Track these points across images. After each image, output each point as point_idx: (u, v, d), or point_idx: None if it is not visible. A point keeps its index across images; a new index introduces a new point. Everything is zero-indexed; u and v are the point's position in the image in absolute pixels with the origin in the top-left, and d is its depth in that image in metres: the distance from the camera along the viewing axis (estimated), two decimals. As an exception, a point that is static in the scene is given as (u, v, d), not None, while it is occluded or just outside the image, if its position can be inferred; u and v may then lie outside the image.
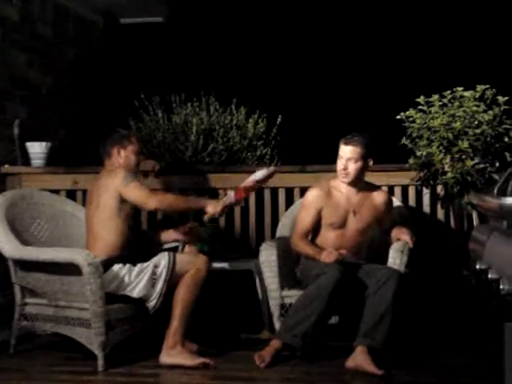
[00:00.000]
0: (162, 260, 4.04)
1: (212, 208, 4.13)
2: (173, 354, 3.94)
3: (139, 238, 4.33)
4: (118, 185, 4.07)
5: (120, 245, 4.10)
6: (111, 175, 4.14)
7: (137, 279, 4.00)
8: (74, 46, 5.88)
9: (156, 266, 4.02)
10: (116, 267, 4.01)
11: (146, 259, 4.06)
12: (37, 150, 5.04)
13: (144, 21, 6.53)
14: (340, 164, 4.19)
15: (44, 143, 5.04)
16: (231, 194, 4.19)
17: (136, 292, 4.00)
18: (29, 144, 5.04)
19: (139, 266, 4.03)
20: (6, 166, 4.99)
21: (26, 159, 5.07)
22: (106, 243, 4.08)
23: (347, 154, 4.17)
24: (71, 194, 4.95)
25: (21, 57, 5.18)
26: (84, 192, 4.98)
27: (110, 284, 3.98)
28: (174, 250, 4.29)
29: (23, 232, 4.31)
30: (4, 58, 4.98)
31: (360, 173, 4.20)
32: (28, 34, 5.26)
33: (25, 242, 4.22)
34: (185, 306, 3.98)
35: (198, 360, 3.94)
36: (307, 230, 4.27)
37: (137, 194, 4.06)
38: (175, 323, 3.97)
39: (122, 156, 4.23)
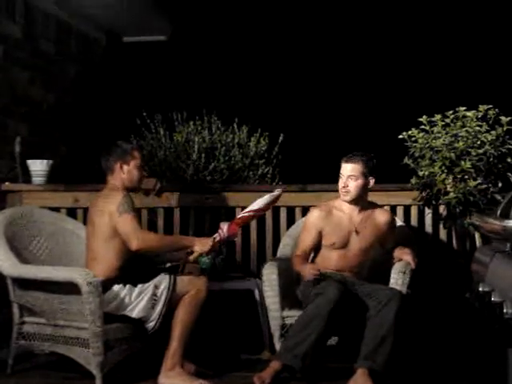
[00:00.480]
0: (163, 281, 4.00)
1: (199, 247, 4.06)
2: (171, 376, 3.90)
3: (140, 257, 4.27)
4: (112, 210, 3.98)
5: (119, 265, 4.04)
6: (109, 197, 4.05)
7: (137, 300, 3.97)
8: (76, 63, 5.89)
9: (156, 287, 3.98)
10: (116, 287, 3.97)
11: (146, 279, 4.02)
12: (38, 167, 5.03)
13: (147, 39, 6.55)
14: (341, 182, 4.18)
15: (45, 161, 5.03)
16: (224, 229, 4.12)
17: (135, 313, 3.97)
18: (30, 161, 5.03)
19: (140, 286, 3.99)
20: (7, 183, 4.98)
21: (26, 176, 5.06)
22: (106, 263, 4.03)
23: (348, 171, 4.16)
24: (72, 212, 4.93)
25: (23, 74, 5.19)
26: (85, 210, 4.95)
27: (110, 304, 3.94)
28: (175, 268, 4.25)
29: (22, 250, 4.28)
30: (6, 75, 4.99)
31: (361, 191, 4.18)
32: (30, 51, 5.28)
33: (24, 259, 4.19)
34: (184, 327, 3.95)
35: (197, 382, 3.90)
36: (307, 251, 4.26)
37: (126, 228, 3.95)
38: (174, 344, 3.93)
39: (125, 171, 4.12)
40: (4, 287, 4.20)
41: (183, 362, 3.95)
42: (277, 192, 4.28)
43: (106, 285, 3.95)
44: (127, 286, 3.98)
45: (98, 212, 4.04)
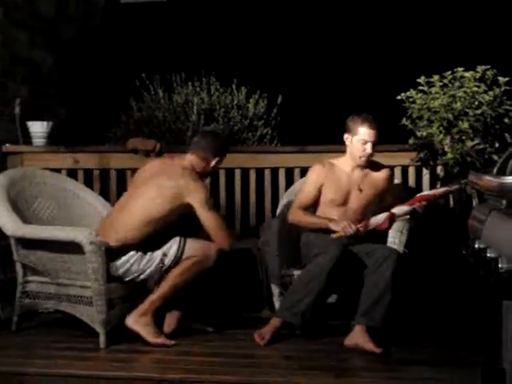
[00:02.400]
0: (172, 248, 4.02)
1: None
2: (139, 322, 3.95)
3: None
4: (196, 200, 3.97)
5: (145, 239, 4.02)
6: (190, 183, 4.01)
7: (144, 267, 4.02)
8: (75, 25, 5.87)
9: (165, 255, 4.02)
10: (128, 255, 4.00)
11: (157, 246, 4.03)
12: (38, 129, 5.05)
13: (145, 0, 6.52)
14: (368, 148, 4.17)
15: (45, 122, 5.04)
16: (373, 221, 4.13)
17: (140, 278, 4.04)
18: (30, 123, 5.05)
19: (149, 254, 4.01)
20: (7, 145, 5.00)
21: (27, 138, 5.08)
22: (135, 233, 4.00)
23: (373, 137, 4.18)
24: (72, 173, 4.96)
25: (22, 36, 5.18)
26: (85, 171, 5.00)
27: (118, 270, 4.00)
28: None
29: (25, 210, 4.32)
30: (5, 36, 4.98)
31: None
32: (29, 13, 5.26)
33: (26, 220, 4.23)
34: (172, 286, 4.00)
35: (159, 339, 3.96)
36: (306, 204, 4.27)
37: (216, 226, 4.02)
38: (155, 295, 3.98)
39: (211, 163, 4.15)
40: (7, 247, 4.25)
41: (171, 314, 4.05)
42: (454, 187, 4.24)
43: (122, 251, 3.99)
44: (138, 253, 4.00)
45: (170, 193, 3.99)
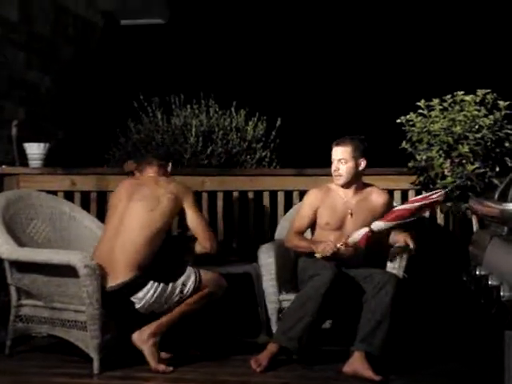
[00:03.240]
0: (190, 279, 3.99)
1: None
2: (148, 342, 3.88)
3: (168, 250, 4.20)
4: (188, 201, 4.05)
5: (154, 258, 3.99)
6: (183, 186, 4.12)
7: (166, 299, 3.95)
8: (73, 46, 5.87)
9: (184, 285, 3.98)
10: (151, 286, 3.91)
11: (176, 276, 3.98)
12: (35, 150, 5.02)
13: (144, 22, 6.53)
14: (332, 166, 4.20)
15: (42, 144, 5.02)
16: (353, 237, 4.11)
17: (162, 310, 3.96)
18: (27, 145, 5.02)
19: (171, 286, 3.95)
20: (4, 166, 4.98)
21: (23, 160, 5.05)
22: (146, 256, 3.94)
23: (338, 155, 4.20)
24: (69, 195, 4.92)
25: (19, 57, 5.17)
26: (82, 193, 4.96)
27: (145, 305, 3.91)
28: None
29: (20, 233, 4.27)
30: (2, 57, 4.96)
31: (352, 173, 4.19)
32: (27, 34, 5.26)
33: (21, 243, 4.18)
34: (183, 313, 3.96)
35: (160, 366, 3.89)
36: (302, 228, 4.28)
37: (204, 226, 4.08)
38: (167, 319, 3.93)
39: (168, 169, 4.23)
40: (1, 270, 4.20)
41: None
42: (435, 195, 4.15)
43: (139, 282, 3.91)
44: (161, 284, 3.93)
45: (167, 197, 4.01)
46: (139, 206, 4.00)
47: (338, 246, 4.09)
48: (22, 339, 4.27)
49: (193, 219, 4.06)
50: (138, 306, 3.92)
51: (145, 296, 3.91)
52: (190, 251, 4.19)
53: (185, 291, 3.97)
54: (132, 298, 3.91)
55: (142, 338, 3.89)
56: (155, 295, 3.92)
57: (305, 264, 4.19)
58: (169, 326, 3.95)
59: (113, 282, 3.91)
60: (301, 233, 4.27)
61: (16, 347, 4.23)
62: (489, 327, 3.06)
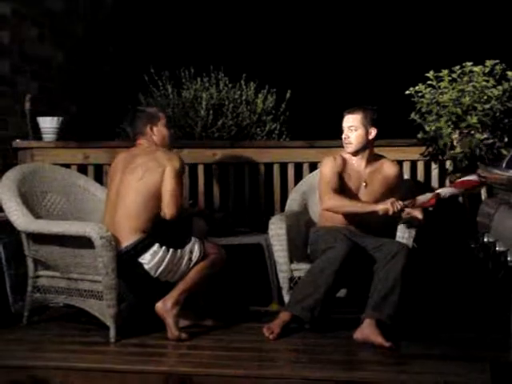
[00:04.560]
0: (195, 245, 4.08)
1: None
2: (171, 312, 3.97)
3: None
4: (174, 167, 4.04)
5: (157, 223, 4.06)
6: (171, 155, 4.11)
7: (177, 265, 4.04)
8: (84, 21, 5.90)
9: (191, 252, 4.07)
10: (159, 251, 4.00)
11: (183, 243, 4.08)
12: (48, 124, 5.07)
13: (153, -4, 6.54)
14: (344, 133, 4.24)
15: (55, 118, 5.06)
16: (420, 200, 4.16)
17: (175, 278, 4.06)
18: (40, 119, 5.07)
19: (180, 251, 4.05)
20: (18, 140, 5.03)
21: (37, 134, 5.10)
22: (145, 220, 4.03)
23: (348, 122, 4.24)
24: (82, 169, 4.98)
25: (31, 32, 5.20)
26: (95, 166, 5.02)
27: (157, 269, 3.99)
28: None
29: (35, 205, 4.34)
30: (15, 32, 5.00)
31: (362, 142, 4.23)
32: (38, 8, 5.28)
33: (37, 215, 4.25)
34: (201, 279, 4.06)
35: (179, 334, 3.97)
36: (336, 189, 4.21)
37: (173, 192, 4.04)
38: (186, 286, 4.02)
39: (155, 132, 4.20)
40: (19, 242, 4.28)
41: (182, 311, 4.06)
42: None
43: (145, 243, 4.00)
44: (170, 250, 4.02)
45: (154, 162, 4.06)
46: (130, 176, 4.10)
47: (407, 203, 4.11)
48: (39, 309, 4.36)
49: (165, 184, 4.04)
50: (147, 267, 3.98)
51: (153, 258, 3.99)
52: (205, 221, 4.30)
53: (193, 258, 4.06)
54: (140, 259, 3.99)
55: (166, 308, 3.98)
56: (166, 261, 4.00)
57: (318, 235, 4.23)
58: (187, 294, 4.04)
59: (119, 247, 4.00)
60: (337, 194, 4.20)
61: (33, 317, 4.31)
62: (496, 291, 3.12)
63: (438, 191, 4.20)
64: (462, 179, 4.23)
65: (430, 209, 4.20)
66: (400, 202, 4.09)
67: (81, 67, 5.80)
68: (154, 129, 4.21)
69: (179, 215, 4.07)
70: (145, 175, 4.07)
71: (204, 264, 4.08)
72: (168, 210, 4.05)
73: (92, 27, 5.98)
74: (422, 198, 4.17)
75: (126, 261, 3.99)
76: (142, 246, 4.00)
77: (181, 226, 4.16)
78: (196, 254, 4.08)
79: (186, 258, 4.06)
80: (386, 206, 4.08)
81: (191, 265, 4.06)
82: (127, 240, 4.01)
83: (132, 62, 6.23)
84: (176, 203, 4.05)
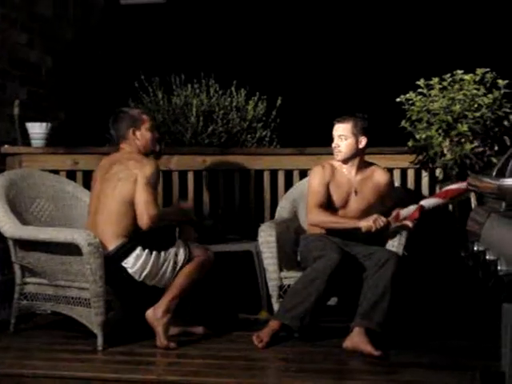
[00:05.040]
0: (180, 248, 4.05)
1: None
2: (162, 320, 3.94)
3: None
4: (145, 175, 3.96)
5: (138, 228, 4.02)
6: (143, 162, 4.03)
7: (162, 269, 4.01)
8: (74, 26, 5.88)
9: (176, 255, 4.04)
10: (142, 253, 3.97)
11: (166, 246, 4.04)
12: (37, 130, 5.04)
13: (144, 1, 6.53)
14: (334, 142, 4.24)
15: (44, 124, 5.04)
16: (403, 212, 4.15)
17: (163, 283, 4.02)
18: (29, 124, 5.04)
19: (163, 254, 4.01)
20: (6, 146, 4.99)
21: (26, 139, 5.07)
22: (125, 225, 4.00)
23: (338, 131, 4.25)
24: (71, 175, 4.95)
25: (21, 37, 5.17)
26: (84, 172, 5.00)
27: (141, 273, 3.96)
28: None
29: (23, 212, 4.32)
30: (4, 37, 4.97)
31: (352, 150, 4.23)
32: (28, 14, 5.25)
33: (25, 221, 4.23)
34: (190, 283, 4.03)
35: (168, 343, 3.94)
36: (322, 202, 4.22)
37: (144, 200, 3.95)
38: (175, 292, 3.99)
39: (138, 136, 4.15)
40: (6, 249, 4.25)
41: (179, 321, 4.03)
42: (465, 184, 4.10)
43: (127, 247, 3.97)
44: (153, 253, 3.99)
45: (127, 171, 4.01)
46: (106, 185, 4.07)
47: (390, 219, 4.12)
48: (26, 317, 4.33)
49: (138, 193, 3.97)
50: (131, 271, 3.95)
51: (136, 262, 3.95)
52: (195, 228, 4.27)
53: (178, 261, 4.02)
54: (123, 264, 3.95)
55: (157, 316, 3.95)
56: (149, 264, 3.96)
57: (308, 243, 4.22)
58: (177, 300, 4.00)
59: (104, 252, 3.96)
60: (323, 207, 4.22)
61: (20, 324, 4.28)
62: (487, 301, 3.11)
63: (421, 203, 4.19)
64: (446, 188, 4.24)
65: (415, 222, 4.18)
66: (383, 218, 4.09)
67: (70, 73, 5.77)
68: (137, 133, 4.15)
69: (156, 224, 3.99)
70: (117, 185, 4.02)
71: (191, 267, 4.04)
72: (141, 221, 3.97)
73: (82, 33, 5.96)
74: (405, 212, 4.17)
75: (110, 266, 3.95)
76: (124, 250, 3.97)
77: (163, 228, 4.13)
78: (181, 257, 4.04)
79: (171, 261, 4.02)
80: (369, 223, 4.08)
81: (177, 268, 4.03)
82: (110, 245, 3.99)
83: (122, 67, 6.21)
84: (149, 213, 3.96)
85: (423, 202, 4.20)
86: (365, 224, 4.10)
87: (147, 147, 4.18)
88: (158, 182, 4.18)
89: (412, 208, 4.18)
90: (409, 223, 4.19)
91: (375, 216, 4.09)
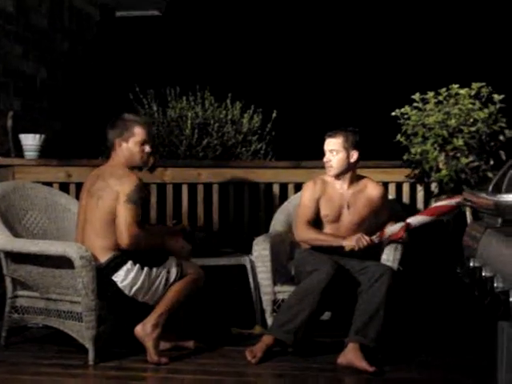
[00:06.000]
0: (172, 266, 3.99)
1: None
2: (151, 335, 3.88)
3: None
4: (124, 193, 3.84)
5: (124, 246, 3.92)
6: (123, 178, 3.90)
7: (154, 285, 3.94)
8: (69, 37, 5.87)
9: (168, 272, 3.98)
10: (133, 269, 3.90)
11: (158, 262, 3.97)
12: (30, 142, 5.01)
13: (140, 14, 6.53)
14: (324, 157, 4.23)
15: (38, 135, 5.01)
16: (388, 231, 4.13)
17: (154, 299, 3.96)
18: (22, 136, 5.02)
19: (155, 270, 3.95)
20: (-1, 157, 4.97)
21: (19, 151, 5.04)
22: (112, 239, 3.91)
23: (329, 146, 4.24)
24: (64, 187, 4.92)
25: (15, 48, 5.16)
26: (77, 185, 4.95)
27: (131, 288, 3.89)
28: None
29: (15, 224, 4.28)
30: (-1, 48, 4.97)
31: (344, 165, 4.21)
32: (23, 25, 5.25)
33: (17, 233, 4.19)
34: (178, 301, 3.97)
35: (159, 358, 3.88)
36: (310, 219, 4.23)
37: (124, 219, 3.83)
38: (164, 308, 3.92)
39: (123, 149, 3.98)
40: (-3, 261, 4.21)
41: (164, 333, 3.97)
42: (456, 199, 4.15)
43: (117, 261, 3.91)
44: (145, 268, 3.92)
45: (108, 189, 3.90)
46: (91, 200, 3.97)
47: (373, 238, 4.10)
48: (17, 330, 4.27)
49: (118, 210, 3.86)
50: (121, 285, 3.89)
51: (127, 276, 3.89)
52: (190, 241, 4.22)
53: (170, 278, 3.97)
54: (113, 278, 3.90)
55: (146, 331, 3.89)
56: (141, 279, 3.90)
57: (302, 257, 4.20)
58: (167, 316, 3.94)
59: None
60: (310, 224, 4.22)
61: (11, 338, 4.23)
62: (482, 318, 3.08)
63: (407, 221, 4.17)
64: (435, 205, 4.23)
65: (400, 240, 4.16)
66: (366, 238, 4.08)
67: (65, 84, 5.75)
68: (124, 145, 3.99)
69: (138, 244, 3.88)
70: (98, 203, 3.93)
71: (182, 284, 3.99)
72: (121, 240, 3.86)
73: (77, 44, 5.95)
74: (390, 231, 4.16)
75: (101, 279, 3.90)
76: (115, 264, 3.91)
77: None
78: (173, 274, 3.99)
79: (163, 278, 3.96)
80: (351, 243, 4.07)
81: (168, 285, 3.98)
82: (101, 258, 3.93)
83: (117, 79, 6.20)
84: (130, 232, 3.84)
85: (410, 220, 4.18)
86: (347, 243, 4.10)
87: (133, 162, 4.00)
88: (142, 197, 3.93)
89: (397, 226, 4.15)
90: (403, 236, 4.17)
91: (358, 235, 4.09)
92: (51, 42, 5.59)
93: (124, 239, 3.86)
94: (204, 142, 5.25)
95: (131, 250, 3.88)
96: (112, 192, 3.90)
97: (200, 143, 5.25)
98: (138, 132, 4.00)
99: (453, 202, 4.16)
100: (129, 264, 3.91)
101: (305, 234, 4.23)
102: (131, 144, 3.99)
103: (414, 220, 4.18)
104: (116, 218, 3.88)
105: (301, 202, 4.30)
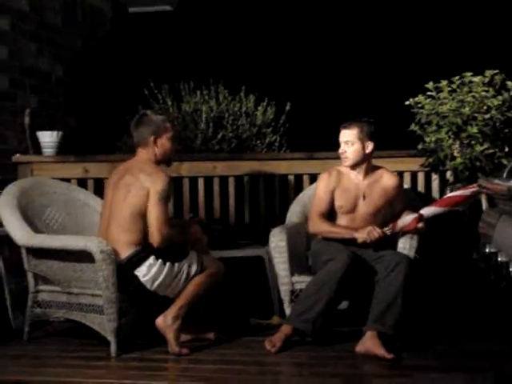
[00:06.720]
0: (193, 260, 4.05)
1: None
2: (172, 327, 3.94)
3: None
4: (155, 191, 3.91)
5: (146, 239, 3.99)
6: (153, 175, 3.96)
7: (175, 280, 4.00)
8: (83, 34, 5.91)
9: (189, 267, 4.03)
10: (155, 264, 3.95)
11: (180, 257, 4.03)
12: (48, 139, 5.07)
13: (153, 10, 6.56)
14: (341, 148, 4.25)
15: (55, 132, 5.07)
16: (400, 223, 4.15)
17: (175, 293, 4.02)
18: (40, 133, 5.07)
19: (177, 265, 4.00)
20: (18, 155, 5.02)
21: (37, 148, 5.09)
22: (138, 234, 3.97)
23: (344, 137, 4.25)
24: (82, 183, 4.97)
25: (30, 46, 5.21)
26: (95, 180, 5.02)
27: (153, 283, 3.95)
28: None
29: (35, 220, 4.33)
30: (14, 47, 5.01)
31: (359, 156, 4.23)
32: (37, 23, 5.29)
33: (37, 229, 4.24)
34: (198, 294, 4.03)
35: (180, 349, 3.94)
36: (324, 212, 4.25)
37: (157, 217, 3.91)
38: (185, 301, 3.98)
39: (158, 145, 4.07)
40: (19, 257, 4.27)
41: (184, 324, 4.02)
42: (470, 189, 4.14)
43: (140, 256, 3.96)
44: (167, 264, 3.97)
45: (137, 183, 3.96)
46: (118, 193, 4.03)
47: (385, 230, 4.13)
48: (39, 324, 4.33)
49: (150, 209, 3.93)
50: (143, 280, 3.94)
51: (149, 271, 3.95)
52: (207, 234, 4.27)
53: (191, 272, 4.02)
54: (136, 272, 3.95)
55: (167, 323, 3.95)
56: (163, 274, 3.96)
57: (319, 247, 4.23)
58: (187, 308, 4.00)
59: (117, 260, 3.96)
60: (324, 216, 4.25)
61: (34, 332, 4.29)
62: (499, 302, 3.10)
63: (420, 212, 4.18)
64: (448, 196, 4.23)
65: (413, 232, 4.17)
66: (378, 230, 4.09)
67: (80, 81, 5.80)
68: (158, 141, 4.08)
69: (167, 244, 3.95)
70: (127, 196, 3.99)
71: (202, 278, 4.05)
72: (153, 238, 3.95)
73: (91, 40, 6.00)
74: (402, 223, 4.17)
75: (123, 274, 3.96)
76: (137, 259, 3.97)
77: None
78: (194, 268, 4.04)
79: (184, 273, 4.02)
80: (363, 236, 4.09)
81: (188, 279, 4.03)
82: (123, 253, 3.98)
83: (131, 75, 6.24)
84: (161, 232, 3.93)
85: (423, 211, 4.18)
86: (359, 235, 4.12)
87: (165, 157, 4.11)
88: (171, 194, 4.12)
89: (409, 218, 4.16)
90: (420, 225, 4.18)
91: (370, 228, 4.11)
92: (65, 39, 5.64)
93: (156, 238, 3.94)
94: (219, 135, 5.29)
95: (162, 247, 3.95)
96: (142, 188, 3.96)
97: (215, 137, 5.28)
98: (170, 128, 4.12)
99: (467, 192, 4.16)
100: (151, 259, 3.96)
101: (318, 227, 4.26)
102: (165, 140, 4.09)
103: (427, 211, 4.19)
104: (148, 215, 3.94)
105: (315, 194, 4.33)
